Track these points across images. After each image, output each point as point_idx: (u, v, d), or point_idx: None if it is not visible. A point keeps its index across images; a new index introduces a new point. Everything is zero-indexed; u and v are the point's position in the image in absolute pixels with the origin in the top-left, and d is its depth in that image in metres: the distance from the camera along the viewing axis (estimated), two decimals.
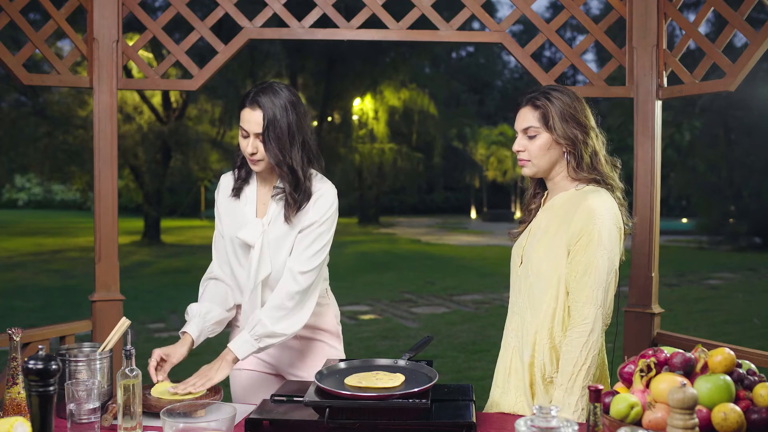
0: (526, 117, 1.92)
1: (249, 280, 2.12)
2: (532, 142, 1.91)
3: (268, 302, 2.05)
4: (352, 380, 1.75)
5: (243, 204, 2.15)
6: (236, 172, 2.19)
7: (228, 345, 2.03)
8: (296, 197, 2.06)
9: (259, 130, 2.00)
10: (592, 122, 1.93)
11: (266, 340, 2.01)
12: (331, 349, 2.28)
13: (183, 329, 2.07)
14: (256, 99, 2.00)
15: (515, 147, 1.96)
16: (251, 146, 2.02)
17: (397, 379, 1.75)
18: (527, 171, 1.96)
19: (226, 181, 2.21)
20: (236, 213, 2.15)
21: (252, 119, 2.01)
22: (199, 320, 2.09)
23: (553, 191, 1.97)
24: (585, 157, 1.89)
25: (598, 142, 1.93)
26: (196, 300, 2.18)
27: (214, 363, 1.99)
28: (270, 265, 2.10)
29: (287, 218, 2.07)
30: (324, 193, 2.11)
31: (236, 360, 1.99)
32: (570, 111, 1.88)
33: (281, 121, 1.99)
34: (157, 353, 1.98)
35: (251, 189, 2.17)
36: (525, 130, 1.92)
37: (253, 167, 2.09)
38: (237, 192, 2.16)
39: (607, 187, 1.89)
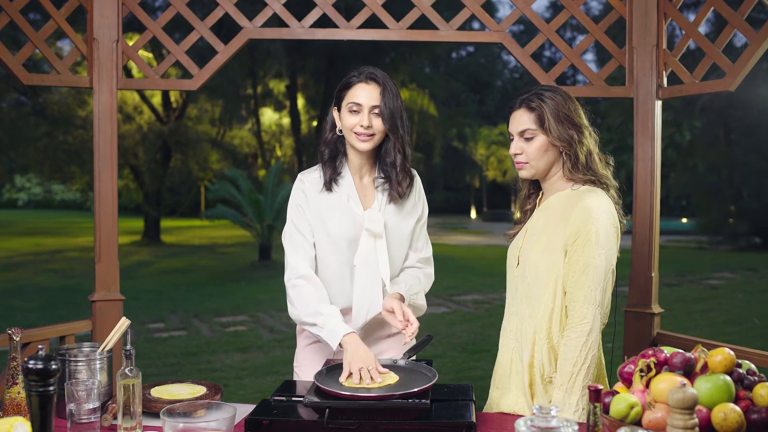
0: (522, 119, 1.91)
1: (367, 274, 2.08)
2: (529, 144, 1.90)
3: (416, 280, 2.14)
4: (351, 381, 1.76)
5: (344, 199, 2.10)
6: (325, 166, 2.11)
7: (394, 293, 2.06)
8: (406, 173, 2.10)
9: (376, 102, 2.03)
10: (585, 121, 1.92)
11: (415, 312, 2.11)
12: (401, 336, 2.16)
13: (343, 332, 1.91)
14: (370, 75, 2.05)
15: (512, 150, 1.95)
16: (366, 119, 2.02)
17: (389, 378, 1.76)
18: (525, 173, 1.95)
19: (312, 177, 2.14)
20: (333, 207, 2.09)
21: (367, 93, 2.03)
22: (340, 318, 2.00)
23: (549, 191, 1.97)
24: (581, 157, 1.88)
25: (591, 140, 1.92)
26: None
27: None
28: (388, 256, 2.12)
29: (396, 199, 2.10)
30: (418, 179, 2.20)
31: None
32: (564, 111, 1.87)
33: (392, 90, 2.05)
34: (370, 369, 1.81)
35: (347, 182, 2.12)
36: (521, 133, 1.91)
37: (362, 146, 2.05)
38: (329, 185, 2.10)
39: (602, 187, 1.89)
